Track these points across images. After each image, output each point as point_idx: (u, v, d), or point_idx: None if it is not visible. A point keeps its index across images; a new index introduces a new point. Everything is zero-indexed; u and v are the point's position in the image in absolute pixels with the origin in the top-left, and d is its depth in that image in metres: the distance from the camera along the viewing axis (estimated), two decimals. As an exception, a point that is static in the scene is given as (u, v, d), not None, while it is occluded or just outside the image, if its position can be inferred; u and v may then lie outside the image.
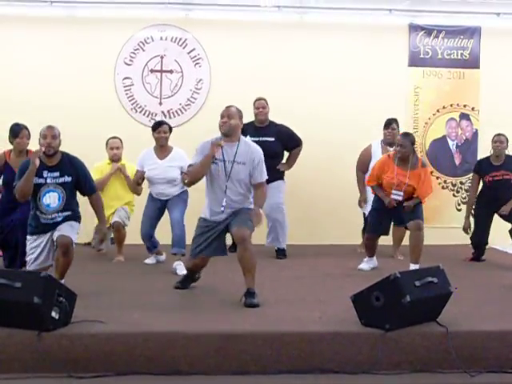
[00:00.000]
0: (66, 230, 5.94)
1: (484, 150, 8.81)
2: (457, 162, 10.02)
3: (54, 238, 5.94)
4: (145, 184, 7.82)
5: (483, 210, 8.27)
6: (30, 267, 6.02)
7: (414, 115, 9.86)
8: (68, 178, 6.00)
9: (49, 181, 5.95)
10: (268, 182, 8.09)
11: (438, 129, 9.98)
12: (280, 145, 8.41)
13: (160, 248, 7.86)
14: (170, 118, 9.47)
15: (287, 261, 8.26)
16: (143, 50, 9.63)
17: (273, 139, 8.30)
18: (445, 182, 10.01)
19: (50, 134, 5.96)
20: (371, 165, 8.11)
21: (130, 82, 9.61)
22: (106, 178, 8.04)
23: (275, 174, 8.18)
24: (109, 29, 9.40)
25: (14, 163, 7.05)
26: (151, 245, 7.77)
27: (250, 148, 5.99)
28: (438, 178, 9.88)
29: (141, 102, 9.63)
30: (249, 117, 8.02)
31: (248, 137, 7.78)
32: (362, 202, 8.53)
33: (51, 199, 5.96)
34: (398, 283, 4.93)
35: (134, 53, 9.61)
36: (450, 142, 10.04)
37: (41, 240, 6.03)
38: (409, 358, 4.87)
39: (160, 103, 9.64)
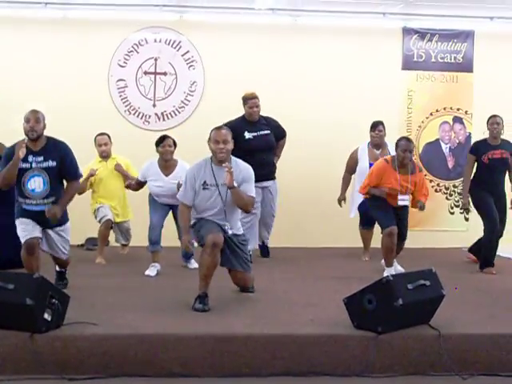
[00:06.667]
0: (60, 251, 6.11)
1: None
2: (450, 165, 10.05)
3: (45, 248, 6.05)
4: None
5: (484, 193, 7.88)
6: (23, 238, 5.89)
7: (407, 118, 9.89)
8: (52, 163, 5.93)
9: (34, 165, 5.90)
10: (267, 179, 8.27)
11: (431, 132, 10.01)
12: (273, 136, 8.42)
13: (161, 250, 7.49)
14: (163, 120, 9.50)
15: (279, 264, 8.26)
16: (137, 52, 9.64)
17: (269, 132, 8.31)
18: (438, 185, 10.03)
19: (34, 118, 5.93)
20: (358, 167, 8.42)
21: (123, 83, 9.61)
22: (82, 183, 7.53)
23: (273, 170, 8.41)
24: (103, 31, 9.41)
25: None
26: (159, 237, 7.35)
27: (239, 167, 5.95)
28: (431, 181, 9.90)
29: (135, 104, 9.63)
30: (237, 113, 8.10)
31: (246, 132, 7.87)
32: (341, 200, 8.58)
33: (36, 184, 5.90)
34: (390, 286, 4.93)
35: (128, 55, 9.61)
36: (443, 146, 10.07)
37: (30, 220, 5.94)
38: (401, 361, 4.88)
39: (154, 105, 9.64)
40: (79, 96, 9.18)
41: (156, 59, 9.67)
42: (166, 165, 7.39)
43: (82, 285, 6.36)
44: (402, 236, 7.29)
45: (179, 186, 7.20)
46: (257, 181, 8.14)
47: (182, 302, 5.79)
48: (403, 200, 7.17)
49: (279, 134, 8.54)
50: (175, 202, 7.23)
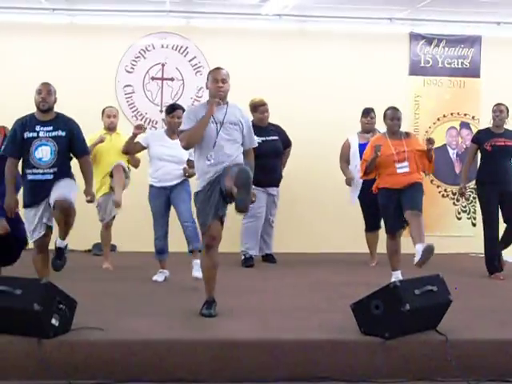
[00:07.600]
0: (61, 191, 5.83)
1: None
2: (457, 170, 10.03)
3: (51, 202, 5.85)
4: (142, 174, 7.72)
5: (487, 187, 7.84)
6: (31, 240, 6.00)
7: (414, 124, 9.88)
8: (62, 133, 5.97)
9: (41, 134, 5.94)
10: (272, 185, 8.36)
11: (438, 137, 9.92)
12: (281, 143, 8.61)
13: (167, 257, 7.43)
14: (170, 125, 9.49)
15: (286, 269, 8.26)
16: (144, 58, 9.66)
17: (277, 138, 8.53)
18: (445, 190, 10.02)
19: (45, 90, 6.01)
20: (351, 153, 8.52)
21: (131, 89, 9.64)
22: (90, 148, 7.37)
23: (279, 177, 8.55)
24: (110, 36, 9.43)
25: None
26: (165, 246, 7.29)
27: (239, 110, 5.84)
28: (438, 186, 9.90)
29: (142, 110, 9.66)
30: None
31: (256, 137, 7.93)
32: (349, 180, 8.54)
33: (43, 153, 5.92)
34: (397, 291, 4.93)
35: (135, 60, 9.64)
36: (451, 151, 10.06)
37: (33, 212, 5.96)
38: (408, 367, 4.87)
39: (161, 111, 9.63)
40: (86, 102, 9.17)
41: (163, 65, 9.69)
42: (173, 133, 7.25)
43: (90, 290, 6.37)
44: (415, 205, 6.86)
45: (185, 171, 7.19)
46: (262, 186, 8.21)
47: (188, 307, 5.79)
48: (402, 167, 6.98)
49: (285, 142, 8.68)
50: (176, 176, 7.19)
